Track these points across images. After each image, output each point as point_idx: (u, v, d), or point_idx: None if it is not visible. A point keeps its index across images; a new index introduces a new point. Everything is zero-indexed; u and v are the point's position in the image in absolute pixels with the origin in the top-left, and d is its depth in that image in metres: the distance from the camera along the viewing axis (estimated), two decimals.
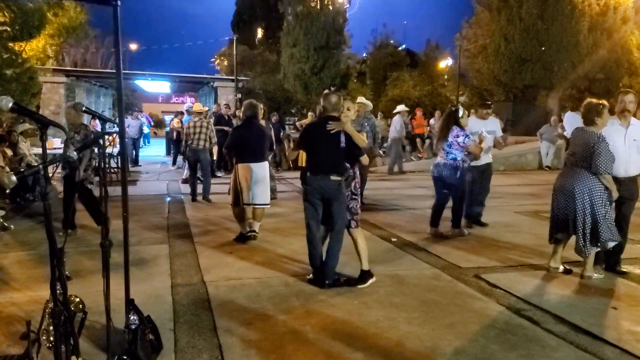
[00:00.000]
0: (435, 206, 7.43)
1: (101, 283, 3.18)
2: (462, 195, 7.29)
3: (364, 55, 45.84)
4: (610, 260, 5.66)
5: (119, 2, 3.49)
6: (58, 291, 2.80)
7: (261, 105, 7.80)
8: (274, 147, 7.78)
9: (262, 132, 7.19)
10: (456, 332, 4.11)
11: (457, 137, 7.02)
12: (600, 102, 5.47)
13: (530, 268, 5.87)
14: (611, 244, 5.32)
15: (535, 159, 17.84)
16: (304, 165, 5.48)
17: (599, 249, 5.37)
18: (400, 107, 15.88)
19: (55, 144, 12.69)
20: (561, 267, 5.68)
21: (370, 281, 5.19)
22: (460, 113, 7.16)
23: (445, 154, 7.11)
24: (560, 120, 16.34)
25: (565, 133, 13.59)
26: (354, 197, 5.31)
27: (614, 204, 5.38)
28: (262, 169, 7.03)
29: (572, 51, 22.83)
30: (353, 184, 5.29)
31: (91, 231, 7.22)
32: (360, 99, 10.24)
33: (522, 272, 5.71)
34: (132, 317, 3.58)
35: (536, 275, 5.61)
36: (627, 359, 3.73)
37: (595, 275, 5.46)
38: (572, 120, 12.91)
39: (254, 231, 7.07)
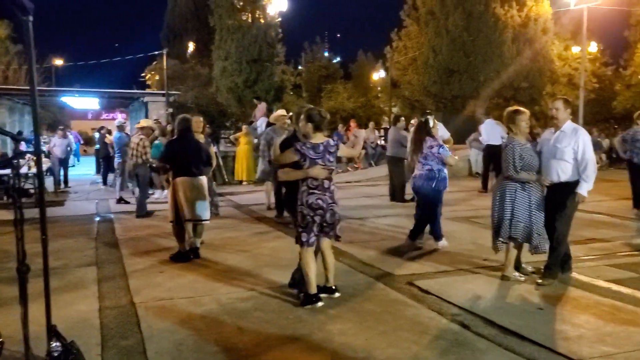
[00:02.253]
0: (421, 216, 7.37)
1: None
2: (434, 206, 7.17)
3: (299, 67, 46.17)
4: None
5: (30, 17, 3.34)
6: None
7: (200, 118, 7.62)
8: (212, 162, 7.58)
9: (198, 146, 7.01)
10: (389, 340, 4.14)
11: (431, 147, 7.05)
12: (516, 109, 5.69)
13: (461, 273, 6.00)
14: (507, 242, 5.64)
15: (465, 166, 18.34)
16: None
17: (504, 244, 5.66)
18: None
19: None
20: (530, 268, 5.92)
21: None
22: (431, 123, 7.14)
23: (421, 165, 7.09)
24: None
25: (480, 139, 14.02)
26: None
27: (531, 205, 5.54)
28: (199, 183, 6.86)
29: (497, 61, 23.72)
30: None
31: (13, 256, 6.85)
32: (281, 111, 10.23)
33: (454, 277, 5.84)
34: (54, 344, 3.42)
35: (467, 280, 5.74)
36: (553, 356, 3.85)
37: (514, 275, 5.68)
38: (488, 127, 13.36)
39: (197, 248, 6.90)
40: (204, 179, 6.98)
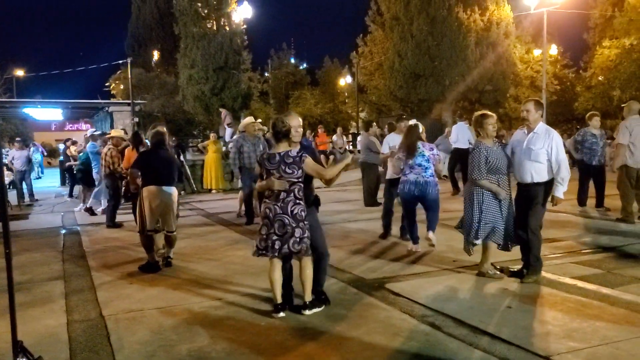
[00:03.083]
0: (413, 224, 7.26)
1: None
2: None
3: (265, 74, 46.17)
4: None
5: None
6: None
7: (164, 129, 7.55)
8: (182, 176, 7.59)
9: (170, 159, 7.09)
10: (362, 344, 4.16)
11: (432, 150, 7.14)
12: (483, 113, 5.80)
13: (432, 274, 6.07)
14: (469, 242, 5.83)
15: None
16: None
17: (474, 243, 5.81)
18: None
19: None
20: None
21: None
22: (420, 128, 7.20)
23: (423, 169, 6.98)
24: None
25: (450, 140, 14.21)
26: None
27: (503, 206, 5.67)
28: (170, 194, 6.80)
29: (462, 65, 24.08)
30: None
31: None
32: (250, 118, 10.30)
33: (425, 279, 5.90)
34: None
35: (438, 281, 5.81)
36: (522, 353, 3.92)
37: (490, 271, 5.83)
38: (459, 130, 13.57)
39: (169, 257, 6.87)
40: (174, 190, 6.93)
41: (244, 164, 9.67)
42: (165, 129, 7.21)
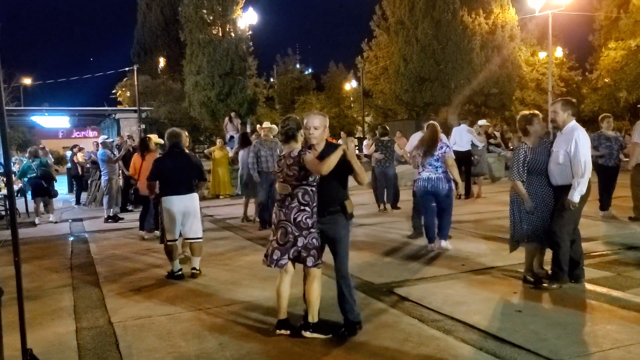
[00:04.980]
0: (431, 221, 7.38)
1: None
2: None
3: (271, 80, 46.30)
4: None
5: None
6: None
7: (185, 133, 7.14)
8: (206, 176, 7.24)
9: (189, 162, 6.70)
10: (372, 349, 4.13)
11: (441, 148, 7.30)
12: (533, 112, 5.66)
13: (440, 279, 6.04)
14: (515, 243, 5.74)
15: None
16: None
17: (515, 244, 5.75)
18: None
19: None
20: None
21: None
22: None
23: (434, 168, 7.23)
24: None
25: (450, 142, 14.16)
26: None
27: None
28: (191, 201, 6.57)
29: (467, 68, 24.10)
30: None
31: None
32: (266, 124, 10.41)
33: (433, 284, 5.87)
34: None
35: (447, 285, 5.78)
36: (533, 358, 3.89)
37: (528, 276, 5.68)
38: (458, 132, 13.46)
39: (195, 268, 6.61)
40: (195, 196, 6.68)
41: (261, 168, 9.77)
42: (181, 130, 6.88)
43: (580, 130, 5.37)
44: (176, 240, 6.57)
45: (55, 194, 12.66)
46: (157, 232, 7.93)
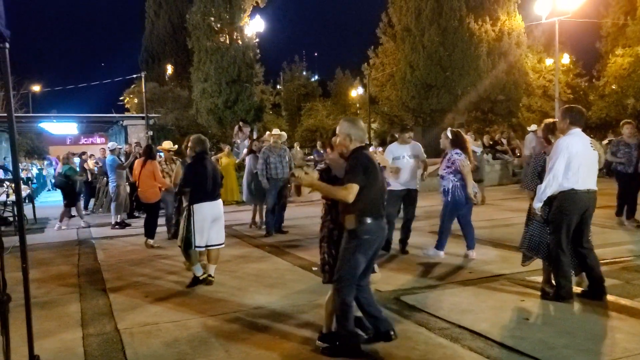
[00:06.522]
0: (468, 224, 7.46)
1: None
2: None
3: (278, 87, 46.42)
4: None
5: (6, 45, 3.33)
6: None
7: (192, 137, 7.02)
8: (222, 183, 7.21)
9: (215, 167, 6.77)
10: (377, 357, 4.12)
11: (446, 156, 7.41)
12: (554, 120, 5.60)
13: (447, 286, 6.02)
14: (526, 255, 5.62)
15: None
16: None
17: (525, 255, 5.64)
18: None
19: None
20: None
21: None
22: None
23: (454, 177, 7.30)
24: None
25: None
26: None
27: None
28: (218, 207, 6.61)
29: (473, 75, 24.07)
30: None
31: None
32: (276, 131, 10.45)
33: (440, 291, 5.85)
34: None
35: (453, 293, 5.76)
36: None
37: (547, 287, 5.51)
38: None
39: (210, 275, 6.57)
40: (220, 203, 6.72)
41: (270, 174, 9.79)
42: (204, 137, 6.83)
43: (566, 137, 5.17)
44: (203, 247, 6.50)
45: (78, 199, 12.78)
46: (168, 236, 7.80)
